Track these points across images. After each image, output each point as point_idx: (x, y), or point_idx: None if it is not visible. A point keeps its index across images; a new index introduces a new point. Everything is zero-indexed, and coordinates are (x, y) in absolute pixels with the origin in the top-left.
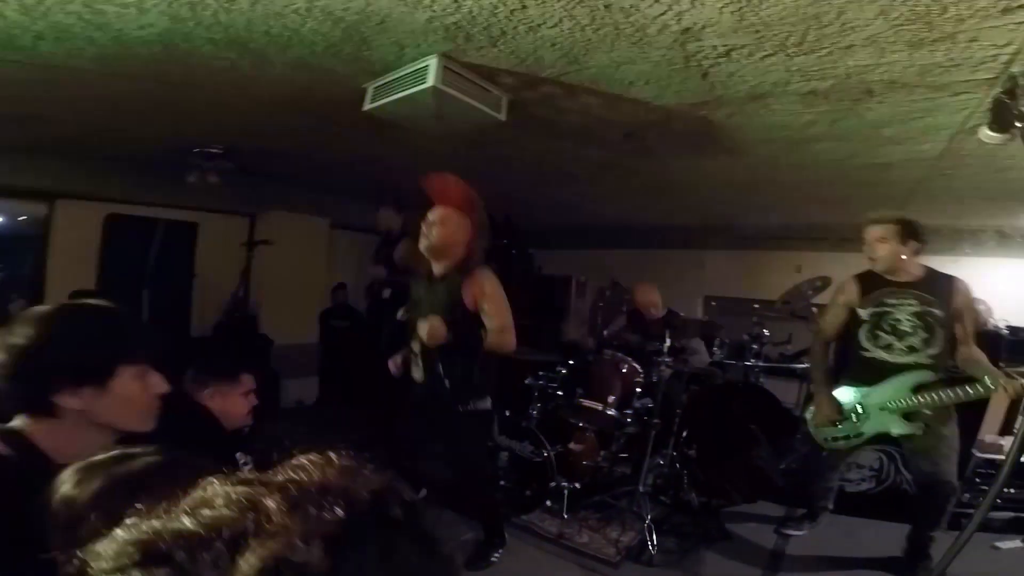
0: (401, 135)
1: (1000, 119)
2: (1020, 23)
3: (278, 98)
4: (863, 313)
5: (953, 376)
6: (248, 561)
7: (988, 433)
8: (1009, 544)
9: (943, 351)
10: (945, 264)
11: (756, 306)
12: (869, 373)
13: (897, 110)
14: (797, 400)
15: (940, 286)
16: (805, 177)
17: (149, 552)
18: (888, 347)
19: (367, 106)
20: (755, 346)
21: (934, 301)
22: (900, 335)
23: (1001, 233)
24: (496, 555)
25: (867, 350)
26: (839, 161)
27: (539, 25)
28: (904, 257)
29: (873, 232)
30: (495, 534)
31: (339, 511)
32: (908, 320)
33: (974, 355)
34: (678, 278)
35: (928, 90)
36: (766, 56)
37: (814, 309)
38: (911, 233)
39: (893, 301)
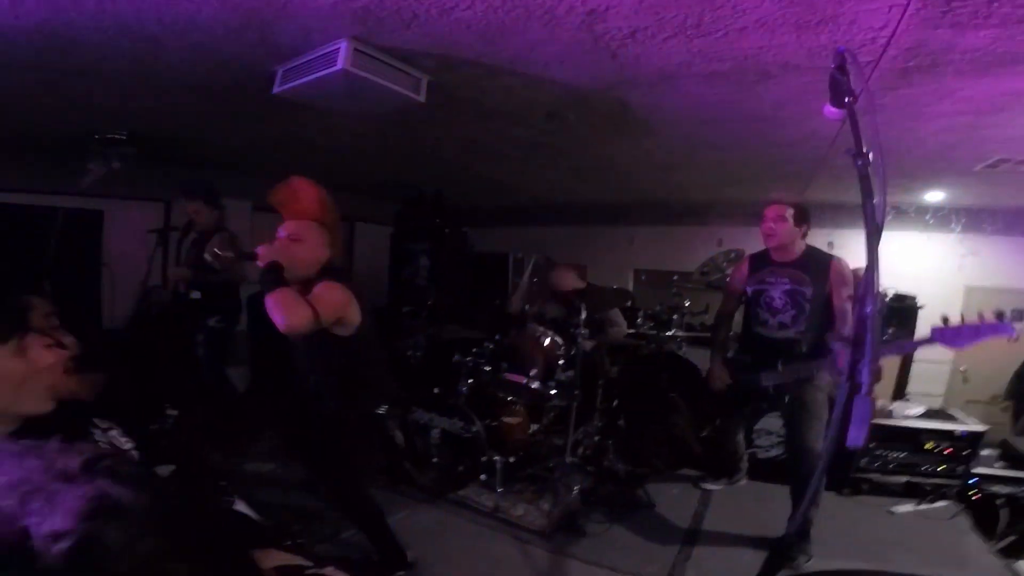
0: (322, 116)
1: (836, 95)
2: (893, 6)
3: (181, 83)
4: (749, 291)
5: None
6: None
7: (880, 398)
8: (903, 508)
9: (813, 326)
10: (849, 237)
11: (675, 277)
12: (752, 345)
13: (793, 92)
14: None
15: (817, 265)
16: (717, 156)
17: None
18: (764, 323)
19: (276, 89)
20: (676, 316)
21: (805, 279)
22: (773, 312)
23: (897, 208)
24: None
25: (751, 325)
26: (746, 140)
27: (451, 8)
28: (795, 238)
29: (773, 210)
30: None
31: None
32: (780, 298)
33: (844, 332)
34: (609, 253)
35: (818, 72)
36: (668, 38)
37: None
38: (804, 216)
39: (771, 280)
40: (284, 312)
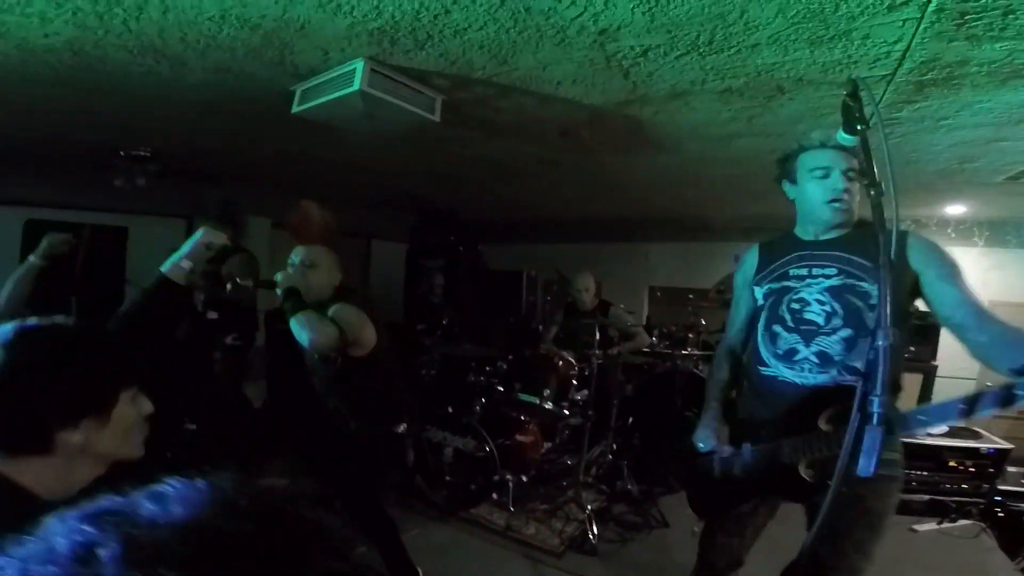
0: (339, 134)
1: (848, 122)
2: (906, 20)
3: (203, 101)
4: (759, 293)
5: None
6: None
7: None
8: (926, 527)
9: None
10: None
11: (691, 296)
12: (760, 399)
13: (808, 106)
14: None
15: (883, 244)
16: (733, 171)
17: None
18: (786, 356)
19: (296, 108)
20: (691, 335)
21: (862, 265)
22: (806, 333)
23: (917, 222)
24: None
25: (763, 361)
26: (762, 156)
27: (465, 29)
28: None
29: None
30: None
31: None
32: (819, 303)
33: (997, 333)
34: (624, 270)
35: (833, 87)
36: (680, 55)
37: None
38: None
39: (800, 271)
40: (311, 331)
